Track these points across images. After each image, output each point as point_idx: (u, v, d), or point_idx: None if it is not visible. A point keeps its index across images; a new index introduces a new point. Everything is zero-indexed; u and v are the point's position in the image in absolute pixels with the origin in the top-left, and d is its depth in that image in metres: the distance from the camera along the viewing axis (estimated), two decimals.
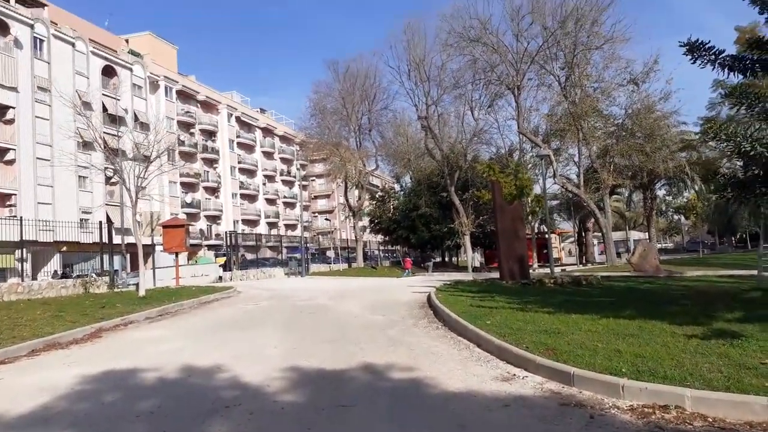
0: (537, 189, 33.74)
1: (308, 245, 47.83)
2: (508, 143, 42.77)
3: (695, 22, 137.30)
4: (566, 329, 7.83)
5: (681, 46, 8.38)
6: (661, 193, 50.87)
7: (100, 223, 20.09)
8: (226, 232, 34.83)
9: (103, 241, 20.19)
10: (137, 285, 16.65)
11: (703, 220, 71.26)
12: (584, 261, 45.71)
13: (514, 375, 5.92)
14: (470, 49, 34.34)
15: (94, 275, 19.15)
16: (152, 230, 20.36)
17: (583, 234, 50.06)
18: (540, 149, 27.12)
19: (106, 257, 20.88)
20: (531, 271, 21.73)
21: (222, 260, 32.88)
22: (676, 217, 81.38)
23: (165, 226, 20.94)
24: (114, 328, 10.95)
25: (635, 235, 59.15)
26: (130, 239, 36.15)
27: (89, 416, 4.96)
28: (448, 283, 17.35)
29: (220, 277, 29.03)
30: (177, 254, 21.31)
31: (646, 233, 60.78)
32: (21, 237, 18.65)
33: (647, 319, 8.30)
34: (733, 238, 75.08)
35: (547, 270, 23.56)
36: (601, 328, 7.76)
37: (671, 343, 6.48)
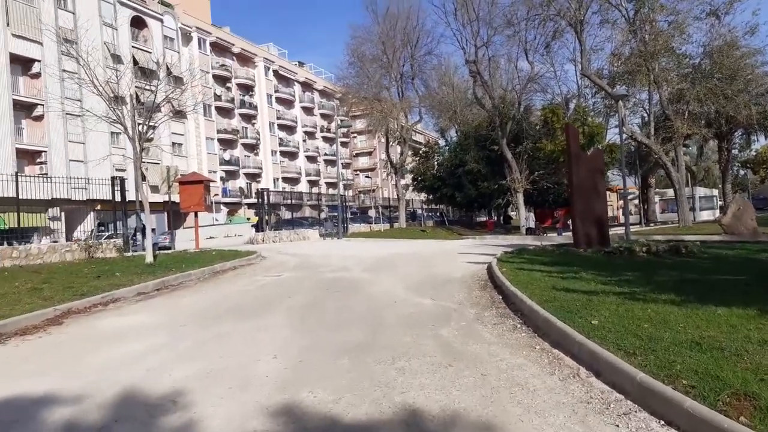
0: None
1: (349, 204, 45.32)
2: (565, 90, 38.60)
3: None
4: (727, 339, 4.87)
5: None
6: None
7: (113, 179, 17.85)
8: (258, 189, 32.52)
9: (116, 199, 17.97)
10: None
11: None
12: (646, 221, 41.67)
13: None
14: None
15: (99, 238, 16.96)
16: (169, 187, 18.03)
17: (645, 191, 45.74)
18: (614, 90, 23.18)
19: (124, 218, 18.75)
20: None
21: (255, 220, 30.71)
22: (742, 172, 75.10)
23: (182, 183, 18.49)
24: (86, 310, 8.57)
25: (701, 191, 53.93)
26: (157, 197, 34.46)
27: None
28: (509, 250, 14.33)
29: (253, 239, 26.88)
30: (196, 213, 18.88)
31: (713, 189, 55.69)
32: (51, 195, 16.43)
33: None
34: None
35: (618, 233, 20.22)
36: None
37: None
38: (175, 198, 19.44)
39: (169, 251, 20.69)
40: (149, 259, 14.09)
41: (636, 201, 48.72)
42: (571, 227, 15.15)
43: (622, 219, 36.16)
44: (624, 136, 28.83)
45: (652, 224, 38.39)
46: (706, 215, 43.71)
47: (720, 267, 10.15)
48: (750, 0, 56.93)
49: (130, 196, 30.39)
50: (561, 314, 6.03)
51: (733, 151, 49.10)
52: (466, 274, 11.00)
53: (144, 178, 45.00)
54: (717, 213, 49.38)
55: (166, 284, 11.24)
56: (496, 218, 49.42)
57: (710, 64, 31.06)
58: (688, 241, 13.87)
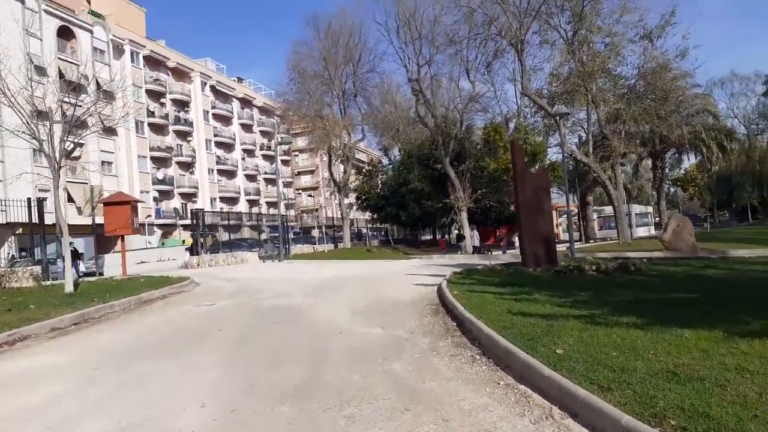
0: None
1: (291, 224, 44.16)
2: (505, 110, 39.15)
3: None
4: (703, 367, 4.53)
5: None
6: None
7: (29, 200, 16.31)
8: (192, 210, 31.03)
9: (33, 222, 16.43)
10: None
11: (702, 192, 68.78)
12: (586, 238, 42.70)
13: None
14: None
15: (15, 265, 15.41)
16: (93, 208, 16.64)
17: (584, 208, 46.99)
18: (555, 108, 23.44)
19: (43, 243, 17.15)
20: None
21: (191, 242, 29.26)
22: (672, 189, 78.89)
23: (106, 204, 17.04)
24: None
25: (636, 208, 55.99)
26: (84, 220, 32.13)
27: None
28: (458, 270, 13.90)
29: (187, 263, 25.50)
30: (122, 238, 17.48)
31: (648, 207, 57.98)
32: None
33: None
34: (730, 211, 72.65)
35: (561, 250, 20.27)
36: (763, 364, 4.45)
37: None
38: (101, 220, 17.92)
39: (94, 278, 19.19)
40: (69, 288, 12.81)
41: (575, 218, 50.05)
42: (516, 245, 14.92)
43: (563, 236, 37.00)
44: (560, 155, 29.50)
45: (591, 241, 39.30)
46: (642, 231, 45.29)
47: (670, 285, 10.03)
48: (681, 25, 60.36)
49: (53, 218, 28.27)
50: (523, 343, 5.53)
51: (665, 169, 51.44)
52: (416, 297, 10.44)
53: (70, 200, 42.35)
54: (652, 230, 51.31)
55: (86, 317, 10.11)
56: (446, 237, 49.40)
57: (644, 86, 32.22)
58: (634, 259, 13.87)
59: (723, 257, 16.23)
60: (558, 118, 22.84)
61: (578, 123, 35.48)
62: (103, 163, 47.32)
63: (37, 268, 16.18)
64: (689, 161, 57.52)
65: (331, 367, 5.68)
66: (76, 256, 24.44)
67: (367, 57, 39.91)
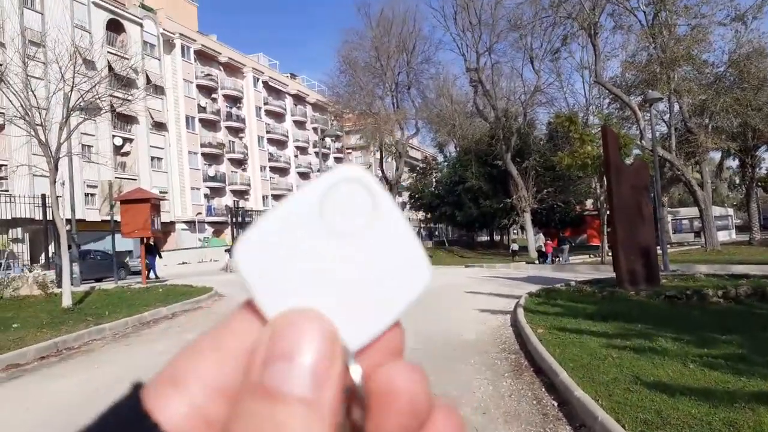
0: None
1: None
2: (572, 103, 35.61)
3: None
4: None
5: None
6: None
7: (43, 196, 14.62)
8: (226, 206, 29.23)
9: (48, 219, 14.76)
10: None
11: None
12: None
13: None
14: None
15: (12, 273, 13.70)
16: (111, 206, 14.82)
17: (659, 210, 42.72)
18: (648, 93, 20.04)
19: (57, 244, 15.47)
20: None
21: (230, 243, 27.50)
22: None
23: (123, 202, 15.08)
24: None
25: (715, 211, 51.05)
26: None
27: None
28: (533, 290, 11.07)
29: (228, 266, 23.72)
30: (142, 240, 15.51)
31: (728, 209, 52.80)
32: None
33: None
34: None
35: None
36: None
37: None
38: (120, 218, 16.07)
39: (120, 283, 17.48)
40: (66, 302, 10.90)
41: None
42: (611, 258, 12.04)
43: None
44: (645, 150, 25.91)
45: (667, 245, 35.34)
46: (722, 236, 40.81)
47: None
48: None
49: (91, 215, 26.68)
50: None
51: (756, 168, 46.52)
52: (484, 333, 7.78)
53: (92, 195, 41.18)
54: (733, 234, 46.44)
55: (61, 347, 8.01)
56: (498, 239, 46.01)
57: (736, 74, 28.30)
58: (760, 278, 10.76)
59: None
60: (648, 104, 19.57)
61: (658, 115, 31.64)
62: (152, 158, 46.74)
63: (50, 273, 14.47)
64: None
65: None
66: (151, 250, 22.37)
67: (422, 46, 37.38)
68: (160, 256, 22.65)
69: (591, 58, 29.44)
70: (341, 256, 0.29)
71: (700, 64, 29.59)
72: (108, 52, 40.14)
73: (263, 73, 62.31)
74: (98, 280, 19.72)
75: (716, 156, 46.16)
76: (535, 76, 32.33)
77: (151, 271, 22.48)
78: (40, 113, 10.79)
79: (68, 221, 14.76)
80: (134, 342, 8.41)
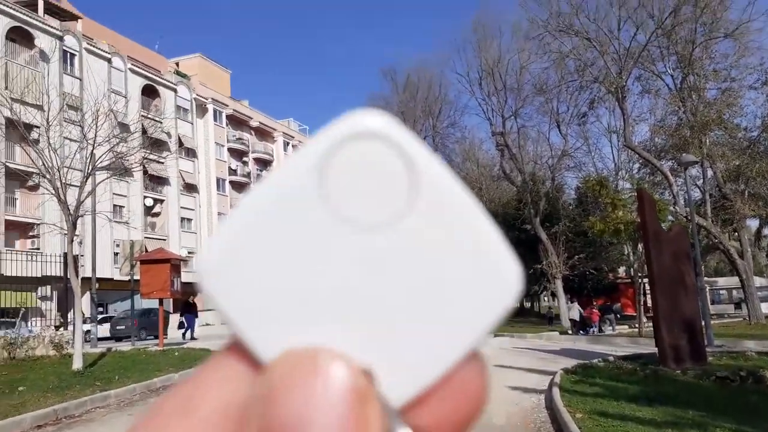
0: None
1: None
2: (600, 167, 35.18)
3: None
4: None
5: None
6: None
7: (65, 255, 14.55)
8: None
9: (67, 276, 14.57)
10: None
11: None
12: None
13: None
14: (557, 43, 27.65)
15: (19, 333, 13.39)
16: (132, 266, 14.63)
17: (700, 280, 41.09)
18: (681, 156, 19.39)
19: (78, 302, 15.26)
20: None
21: None
22: None
23: (143, 262, 14.92)
24: None
25: (758, 281, 48.98)
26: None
27: None
28: (568, 367, 10.23)
29: None
30: (161, 301, 15.18)
31: None
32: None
33: None
34: None
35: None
36: None
37: None
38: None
39: (137, 345, 17.07)
40: (77, 364, 10.49)
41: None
42: (652, 331, 11.23)
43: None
44: (679, 216, 25.00)
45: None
46: (765, 308, 38.85)
47: None
48: None
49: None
50: None
51: None
52: (515, 416, 7.04)
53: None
54: None
55: (63, 414, 7.57)
56: (529, 305, 44.71)
57: None
58: None
59: None
60: (682, 168, 19.00)
61: (692, 180, 30.93)
62: (182, 219, 47.31)
63: (68, 333, 14.17)
64: None
65: None
66: (189, 310, 22.25)
67: (448, 111, 37.73)
68: (196, 316, 22.48)
69: (619, 122, 29.29)
70: (367, 260, 0.19)
71: (732, 128, 29.11)
72: (141, 115, 41.50)
73: (293, 137, 63.74)
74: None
75: (752, 224, 44.71)
76: (562, 139, 32.23)
77: (189, 331, 22.08)
78: (60, 173, 10.79)
79: (90, 280, 14.60)
80: (139, 411, 7.89)
